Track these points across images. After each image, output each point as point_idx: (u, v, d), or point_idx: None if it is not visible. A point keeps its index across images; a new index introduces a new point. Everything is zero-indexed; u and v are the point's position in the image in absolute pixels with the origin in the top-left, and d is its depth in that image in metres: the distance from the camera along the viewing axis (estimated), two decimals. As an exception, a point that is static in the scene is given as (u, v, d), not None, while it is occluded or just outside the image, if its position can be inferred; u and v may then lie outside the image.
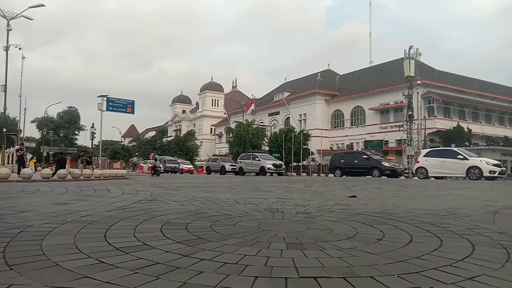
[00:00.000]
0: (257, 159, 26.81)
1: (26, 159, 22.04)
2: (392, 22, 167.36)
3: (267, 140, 45.75)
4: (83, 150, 35.49)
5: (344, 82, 53.78)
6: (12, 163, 23.05)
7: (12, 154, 24.23)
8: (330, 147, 49.45)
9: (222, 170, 30.24)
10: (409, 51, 36.02)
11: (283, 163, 28.53)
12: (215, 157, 37.25)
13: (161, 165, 36.84)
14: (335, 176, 22.60)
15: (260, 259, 1.79)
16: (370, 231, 2.62)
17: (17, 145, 26.45)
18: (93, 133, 36.72)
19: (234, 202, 4.45)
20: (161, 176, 19.33)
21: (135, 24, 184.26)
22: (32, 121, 57.39)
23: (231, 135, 47.97)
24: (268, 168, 25.44)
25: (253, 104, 57.25)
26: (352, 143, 47.34)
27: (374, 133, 44.13)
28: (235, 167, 30.34)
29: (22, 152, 19.33)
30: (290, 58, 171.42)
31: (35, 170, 22.13)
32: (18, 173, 13.75)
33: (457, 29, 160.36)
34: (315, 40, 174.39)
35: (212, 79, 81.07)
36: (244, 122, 45.53)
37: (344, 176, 20.73)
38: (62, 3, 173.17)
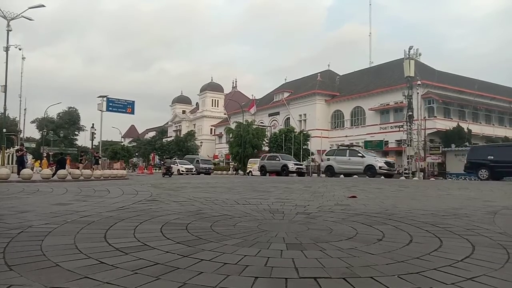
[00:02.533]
0: (359, 155, 20.03)
1: (26, 160, 22.05)
2: (392, 22, 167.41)
3: (267, 141, 45.76)
4: (83, 151, 35.53)
5: (344, 82, 53.77)
6: (12, 163, 23.07)
7: (12, 155, 24.25)
8: (330, 148, 49.46)
9: (284, 171, 23.99)
10: (409, 51, 36.01)
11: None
12: (272, 154, 29.51)
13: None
14: (480, 178, 17.02)
15: (260, 260, 1.79)
16: (370, 231, 2.62)
17: (17, 146, 26.48)
18: (93, 134, 36.70)
19: (234, 203, 4.45)
20: (161, 176, 19.25)
21: (135, 24, 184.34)
22: (32, 122, 57.45)
23: (231, 136, 47.98)
24: (380, 167, 18.69)
25: (254, 106, 57.19)
26: (352, 143, 47.24)
27: (374, 133, 44.10)
28: (301, 166, 24.88)
29: (21, 152, 19.36)
30: (290, 58, 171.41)
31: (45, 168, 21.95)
32: (18, 174, 13.80)
33: (457, 29, 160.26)
34: (315, 40, 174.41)
35: (212, 80, 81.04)
36: (244, 123, 45.54)
37: (490, 181, 15.43)
38: (62, 3, 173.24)
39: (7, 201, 4.52)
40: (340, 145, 27.04)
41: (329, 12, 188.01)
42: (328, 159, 21.36)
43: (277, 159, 25.97)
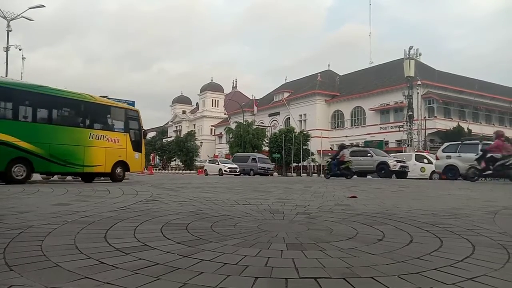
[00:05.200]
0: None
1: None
2: (392, 22, 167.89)
3: (267, 141, 45.77)
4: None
5: (344, 82, 53.78)
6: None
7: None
8: (330, 148, 49.44)
9: (383, 170, 18.19)
10: (409, 51, 36.06)
11: None
12: (359, 149, 22.63)
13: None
14: None
15: (260, 260, 1.79)
16: (370, 231, 2.62)
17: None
18: (93, 134, 36.56)
19: (234, 203, 4.45)
20: (161, 177, 19.14)
21: (135, 24, 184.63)
22: (32, 122, 57.28)
23: (231, 136, 47.98)
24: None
25: (255, 105, 57.16)
26: (353, 143, 47.28)
27: (374, 133, 44.11)
28: (405, 164, 18.74)
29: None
30: (290, 58, 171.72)
31: None
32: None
33: (457, 29, 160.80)
34: (315, 41, 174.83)
35: (212, 80, 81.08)
36: (244, 123, 45.55)
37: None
38: (62, 4, 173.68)
39: (7, 201, 4.52)
40: (463, 138, 19.63)
41: (329, 12, 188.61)
42: (448, 157, 15.73)
43: (368, 155, 19.51)
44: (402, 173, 18.46)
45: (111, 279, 1.47)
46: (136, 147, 12.42)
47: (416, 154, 22.15)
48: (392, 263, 1.77)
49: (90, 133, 10.89)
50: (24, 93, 9.84)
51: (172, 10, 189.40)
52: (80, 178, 12.25)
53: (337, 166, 15.19)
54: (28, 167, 9.54)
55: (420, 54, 38.51)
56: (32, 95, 9.96)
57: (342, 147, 17.35)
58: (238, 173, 27.26)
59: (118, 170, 11.71)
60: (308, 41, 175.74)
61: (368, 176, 19.25)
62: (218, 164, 29.08)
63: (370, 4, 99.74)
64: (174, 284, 1.43)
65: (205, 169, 31.25)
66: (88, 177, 11.77)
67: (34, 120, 9.99)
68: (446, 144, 17.27)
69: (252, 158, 29.65)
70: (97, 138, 11.02)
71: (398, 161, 18.89)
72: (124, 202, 4.36)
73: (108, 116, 11.90)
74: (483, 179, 13.10)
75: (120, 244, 2.07)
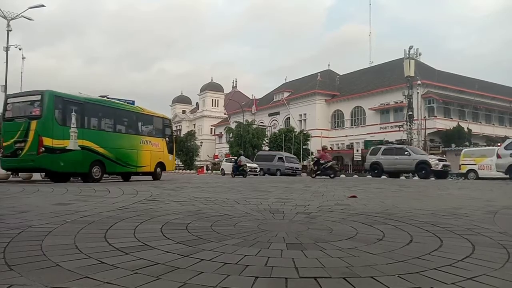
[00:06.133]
0: None
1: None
2: (392, 22, 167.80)
3: (267, 140, 45.77)
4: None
5: (344, 82, 53.78)
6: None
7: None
8: (330, 147, 49.46)
9: (424, 170, 16.79)
10: (409, 51, 36.04)
11: None
12: (393, 146, 20.75)
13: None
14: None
15: (260, 259, 1.79)
16: (370, 231, 2.62)
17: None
18: (93, 134, 36.57)
19: (234, 202, 4.45)
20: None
21: (135, 24, 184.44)
22: (32, 122, 57.24)
23: (231, 135, 48.00)
24: None
25: (254, 105, 57.14)
26: (352, 143, 47.32)
27: (374, 133, 44.07)
28: (447, 163, 17.24)
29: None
30: (290, 58, 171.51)
31: None
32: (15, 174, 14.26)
33: (457, 29, 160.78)
34: (315, 40, 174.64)
35: (212, 79, 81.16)
36: (244, 123, 45.56)
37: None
38: (62, 3, 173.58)
39: (7, 201, 4.52)
40: None
41: (329, 12, 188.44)
42: None
43: (406, 153, 17.68)
44: (443, 173, 16.88)
45: (111, 278, 1.47)
46: (170, 150, 14.64)
47: None
48: (392, 262, 1.77)
49: (141, 139, 13.17)
50: (97, 106, 11.83)
51: (172, 9, 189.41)
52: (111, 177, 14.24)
53: (237, 169, 19.09)
54: (102, 169, 11.42)
55: (420, 54, 38.42)
56: (102, 108, 12.02)
57: (239, 154, 21.48)
58: (258, 173, 25.30)
59: (158, 169, 13.82)
60: (308, 41, 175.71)
61: (414, 178, 17.93)
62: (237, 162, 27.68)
63: (370, 4, 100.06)
64: (174, 283, 1.43)
65: (222, 169, 29.25)
66: (127, 176, 13.54)
67: (105, 129, 12.02)
68: (509, 140, 14.86)
69: (279, 157, 27.12)
70: (145, 143, 13.27)
71: (440, 160, 17.46)
72: (124, 202, 4.36)
73: (152, 124, 14.17)
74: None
75: (120, 244, 2.07)
